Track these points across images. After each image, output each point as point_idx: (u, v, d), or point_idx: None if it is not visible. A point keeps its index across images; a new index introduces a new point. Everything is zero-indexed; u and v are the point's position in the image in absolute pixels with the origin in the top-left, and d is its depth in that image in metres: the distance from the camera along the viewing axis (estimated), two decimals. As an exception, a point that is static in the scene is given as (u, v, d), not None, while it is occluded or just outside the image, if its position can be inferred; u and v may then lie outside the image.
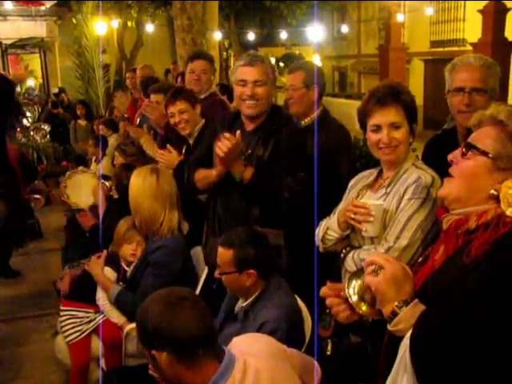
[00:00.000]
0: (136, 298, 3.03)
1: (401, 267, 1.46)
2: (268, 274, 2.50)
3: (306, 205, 2.73)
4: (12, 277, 5.64)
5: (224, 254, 2.48)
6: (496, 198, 1.49)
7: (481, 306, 1.29)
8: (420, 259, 1.74)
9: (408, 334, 1.35)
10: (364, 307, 1.53)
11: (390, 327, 1.42)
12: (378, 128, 2.29)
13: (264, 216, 2.92)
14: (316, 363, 2.05)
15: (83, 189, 4.03)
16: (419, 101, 16.67)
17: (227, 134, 2.80)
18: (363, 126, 2.39)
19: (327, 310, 2.53)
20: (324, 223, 2.49)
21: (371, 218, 2.22)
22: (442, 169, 2.49)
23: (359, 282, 1.54)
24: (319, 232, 2.50)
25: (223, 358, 1.79)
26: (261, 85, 2.93)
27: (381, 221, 2.24)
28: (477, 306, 1.29)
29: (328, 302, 1.66)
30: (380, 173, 2.44)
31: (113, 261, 3.31)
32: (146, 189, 3.12)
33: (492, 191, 1.50)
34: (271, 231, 2.88)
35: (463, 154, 1.57)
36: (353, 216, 2.27)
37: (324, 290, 1.67)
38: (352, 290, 1.56)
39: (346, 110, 10.05)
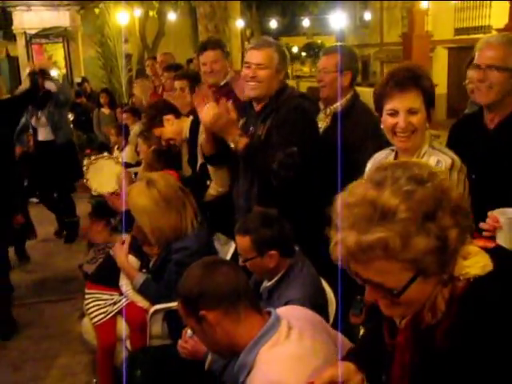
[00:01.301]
0: (159, 288, 3.06)
1: None
2: (289, 252, 2.52)
3: (303, 182, 2.81)
4: (25, 260, 5.79)
5: (242, 241, 2.51)
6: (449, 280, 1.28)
7: None
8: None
9: None
10: None
11: None
12: (395, 112, 2.25)
13: (262, 194, 3.00)
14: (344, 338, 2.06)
15: (105, 175, 4.05)
16: (443, 89, 16.45)
17: (211, 103, 2.97)
18: (379, 108, 2.35)
19: (358, 297, 2.53)
20: None
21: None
22: (465, 151, 2.49)
23: None
24: None
25: (269, 316, 1.87)
26: (263, 68, 2.99)
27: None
28: None
29: None
30: (396, 156, 2.41)
31: (136, 248, 3.33)
32: (156, 208, 3.03)
33: (445, 277, 1.26)
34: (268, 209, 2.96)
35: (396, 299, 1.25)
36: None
37: None
38: None
39: (368, 98, 9.95)
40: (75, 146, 7.36)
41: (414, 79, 2.23)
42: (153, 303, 3.10)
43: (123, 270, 3.23)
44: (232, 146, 2.98)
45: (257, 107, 3.11)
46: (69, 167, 6.58)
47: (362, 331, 2.54)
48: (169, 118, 3.78)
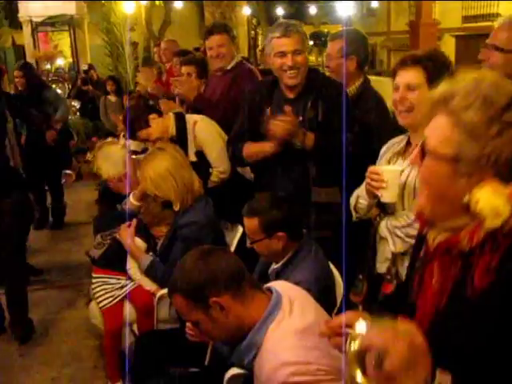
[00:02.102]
0: (166, 270, 3.05)
1: (407, 345, 1.09)
2: (297, 234, 2.51)
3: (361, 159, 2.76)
4: (35, 274, 5.11)
5: (250, 222, 2.50)
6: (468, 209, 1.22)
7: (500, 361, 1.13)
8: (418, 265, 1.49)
9: None
10: None
11: None
12: (396, 87, 2.30)
13: (322, 175, 2.98)
14: None
15: (113, 159, 4.03)
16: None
17: (281, 117, 2.87)
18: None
19: (360, 276, 2.55)
20: (356, 191, 2.49)
21: (384, 184, 2.19)
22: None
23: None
24: (352, 200, 2.50)
25: (271, 293, 1.87)
26: (300, 53, 2.98)
27: (396, 186, 2.21)
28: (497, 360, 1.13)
29: (332, 343, 1.35)
30: (409, 140, 2.40)
31: (143, 230, 3.33)
32: (177, 163, 3.12)
33: (465, 199, 1.21)
34: (329, 189, 2.96)
35: (421, 157, 1.29)
36: (369, 182, 2.26)
37: (323, 331, 1.36)
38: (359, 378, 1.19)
39: (375, 86, 9.89)
40: (70, 136, 7.19)
41: (416, 57, 2.27)
42: (160, 285, 3.12)
43: (130, 252, 3.23)
44: (299, 144, 2.94)
45: (291, 92, 3.08)
46: (59, 156, 6.48)
47: (360, 309, 2.55)
48: (154, 117, 3.73)
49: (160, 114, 3.83)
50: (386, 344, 1.09)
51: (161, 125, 3.74)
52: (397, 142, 2.48)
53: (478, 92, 1.20)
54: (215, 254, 1.89)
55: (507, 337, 1.13)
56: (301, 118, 3.00)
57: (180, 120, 3.76)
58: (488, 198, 1.18)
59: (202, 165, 3.67)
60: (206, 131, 3.70)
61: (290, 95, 3.08)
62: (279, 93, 3.12)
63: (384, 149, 2.54)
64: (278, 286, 1.97)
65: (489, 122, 1.17)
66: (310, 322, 1.81)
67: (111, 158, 3.96)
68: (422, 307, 1.36)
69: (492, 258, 1.18)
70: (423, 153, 1.28)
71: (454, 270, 1.27)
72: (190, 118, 3.81)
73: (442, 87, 1.26)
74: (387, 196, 2.22)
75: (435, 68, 2.26)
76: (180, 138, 3.74)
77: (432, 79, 2.24)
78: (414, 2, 18.17)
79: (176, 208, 3.09)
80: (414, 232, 1.97)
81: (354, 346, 1.14)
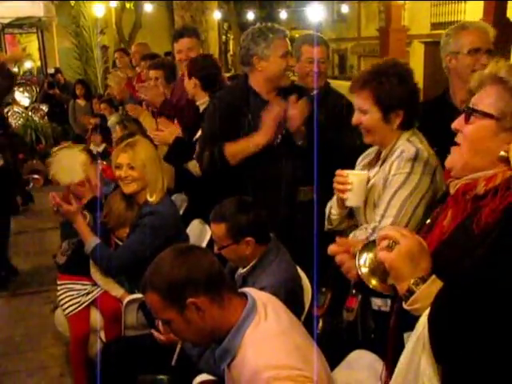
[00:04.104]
0: (115, 254, 3.09)
1: (417, 242, 1.36)
2: (265, 238, 2.50)
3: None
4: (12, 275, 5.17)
5: (217, 228, 2.48)
6: (506, 161, 1.39)
7: (492, 278, 1.23)
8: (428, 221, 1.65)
9: (426, 312, 1.29)
10: (374, 281, 1.45)
11: (405, 306, 1.34)
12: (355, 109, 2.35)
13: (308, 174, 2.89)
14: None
15: (67, 165, 3.88)
16: (419, 83, 16.60)
17: (295, 100, 2.98)
18: None
19: (323, 289, 2.54)
20: (329, 202, 2.48)
21: (349, 186, 2.18)
22: (442, 135, 2.48)
23: (371, 255, 1.46)
24: (326, 211, 2.49)
25: (246, 298, 1.84)
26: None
27: (362, 190, 2.21)
28: (488, 278, 1.24)
29: (338, 259, 1.56)
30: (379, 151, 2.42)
31: (104, 235, 3.22)
32: (152, 155, 3.18)
33: (502, 153, 1.38)
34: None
35: (466, 120, 1.46)
36: (336, 185, 2.25)
37: (332, 248, 1.56)
38: (363, 261, 1.47)
39: (345, 92, 9.96)
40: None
41: (363, 81, 2.26)
42: (103, 269, 3.12)
43: (79, 229, 3.16)
44: (298, 141, 3.03)
45: (270, 95, 3.08)
46: None
47: (320, 323, 2.55)
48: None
49: (213, 89, 3.63)
50: (398, 236, 1.34)
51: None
52: (369, 153, 2.48)
53: None
54: (195, 252, 1.84)
55: (500, 264, 1.24)
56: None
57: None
58: None
59: (192, 147, 3.59)
60: None
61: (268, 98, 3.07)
62: (255, 97, 3.08)
63: (359, 159, 2.54)
64: (249, 291, 1.95)
65: None
66: (285, 325, 1.80)
67: (66, 164, 3.83)
68: (429, 243, 1.47)
69: (501, 202, 1.32)
70: (466, 117, 1.45)
71: (465, 211, 1.42)
72: None
73: (488, 68, 1.47)
74: (352, 199, 2.21)
75: (382, 86, 2.23)
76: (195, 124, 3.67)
77: (381, 98, 2.23)
78: (384, 8, 18.42)
79: (151, 198, 3.09)
80: None
81: (367, 255, 1.45)
